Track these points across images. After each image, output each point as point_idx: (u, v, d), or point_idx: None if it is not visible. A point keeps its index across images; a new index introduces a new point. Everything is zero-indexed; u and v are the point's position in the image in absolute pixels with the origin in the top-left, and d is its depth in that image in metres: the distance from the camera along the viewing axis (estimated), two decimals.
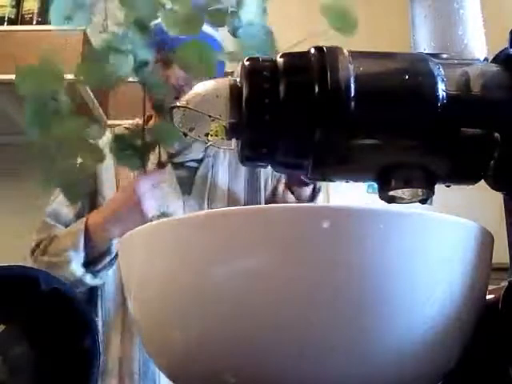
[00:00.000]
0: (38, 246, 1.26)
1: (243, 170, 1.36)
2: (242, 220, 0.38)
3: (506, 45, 0.45)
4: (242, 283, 0.37)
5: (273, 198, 1.33)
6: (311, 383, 0.38)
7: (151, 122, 1.36)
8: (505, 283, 0.44)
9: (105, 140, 1.26)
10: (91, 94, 1.99)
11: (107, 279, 1.27)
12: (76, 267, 1.19)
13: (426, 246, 0.38)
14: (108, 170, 1.32)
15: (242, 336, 0.37)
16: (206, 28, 1.32)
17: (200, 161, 1.34)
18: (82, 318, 0.49)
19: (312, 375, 0.37)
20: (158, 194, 1.17)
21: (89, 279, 1.21)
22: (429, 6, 0.47)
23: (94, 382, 0.49)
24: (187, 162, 1.34)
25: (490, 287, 0.44)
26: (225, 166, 1.35)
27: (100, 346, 0.49)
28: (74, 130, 0.97)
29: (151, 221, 1.15)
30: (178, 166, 1.32)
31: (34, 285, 0.48)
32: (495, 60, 0.45)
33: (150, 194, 1.15)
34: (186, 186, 1.31)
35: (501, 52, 0.45)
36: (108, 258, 1.22)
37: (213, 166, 1.34)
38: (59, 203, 1.29)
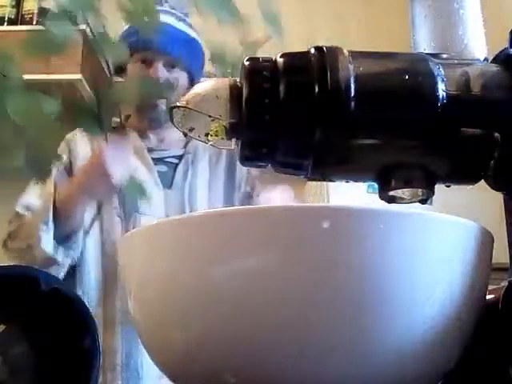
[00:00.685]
0: (8, 237, 1.27)
1: (222, 168, 1.38)
2: (241, 220, 0.38)
3: (506, 45, 0.45)
4: (241, 283, 0.37)
5: (246, 201, 1.36)
6: (311, 383, 0.38)
7: (130, 120, 1.39)
8: (505, 283, 0.44)
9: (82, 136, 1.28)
10: (91, 93, 1.98)
11: (88, 271, 1.27)
12: (47, 244, 1.19)
13: (426, 246, 0.38)
14: (84, 149, 1.34)
15: (242, 336, 0.37)
16: (191, 31, 1.35)
17: (180, 157, 1.35)
18: (82, 318, 0.49)
19: (312, 375, 0.37)
20: (122, 159, 1.19)
21: (61, 257, 1.21)
22: (429, 5, 0.47)
23: (93, 382, 0.49)
24: (167, 157, 1.35)
25: (490, 287, 0.44)
26: (205, 162, 1.37)
27: (100, 346, 0.49)
28: (25, 105, 0.97)
29: (119, 187, 1.18)
30: (157, 161, 1.35)
31: (34, 285, 0.48)
32: (495, 60, 0.45)
33: (114, 159, 1.17)
34: (166, 180, 1.33)
35: (501, 52, 0.45)
36: (80, 233, 1.23)
37: (193, 162, 1.36)
38: (32, 194, 1.29)
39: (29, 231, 1.22)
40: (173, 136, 1.35)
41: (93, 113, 1.09)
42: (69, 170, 1.33)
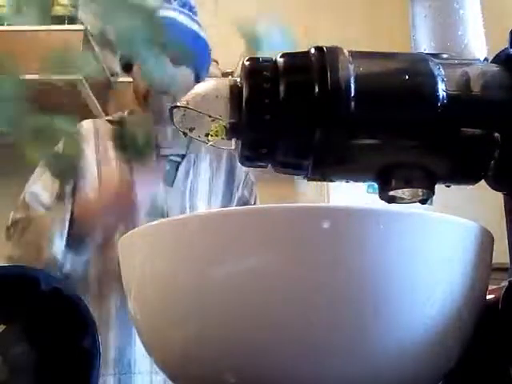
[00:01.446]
0: (13, 225, 1.26)
1: (223, 170, 1.39)
2: (242, 220, 0.38)
3: (506, 45, 0.45)
4: (241, 283, 0.37)
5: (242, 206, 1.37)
6: (311, 383, 0.38)
7: (135, 115, 1.39)
8: (505, 283, 0.44)
9: (88, 128, 1.31)
10: (91, 94, 1.99)
11: (85, 268, 1.27)
12: (58, 250, 1.19)
13: (426, 246, 0.38)
14: (89, 155, 1.33)
15: (242, 336, 0.37)
16: (198, 29, 1.35)
17: (183, 156, 1.36)
18: (82, 318, 0.49)
19: (312, 375, 0.37)
20: (152, 191, 1.19)
21: (67, 265, 1.21)
22: (429, 5, 0.47)
23: (94, 382, 0.49)
24: (169, 155, 1.36)
25: (490, 287, 0.44)
26: (206, 163, 1.38)
27: (100, 346, 0.49)
28: (43, 127, 0.99)
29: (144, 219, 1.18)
30: (160, 158, 1.35)
31: (34, 285, 0.48)
32: (495, 60, 0.45)
33: (143, 191, 1.18)
34: (168, 178, 1.34)
35: (501, 52, 0.45)
36: (89, 245, 1.22)
37: (195, 162, 1.36)
38: (39, 185, 1.28)
39: (40, 230, 1.22)
40: (176, 135, 1.35)
41: (134, 139, 1.12)
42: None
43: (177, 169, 1.35)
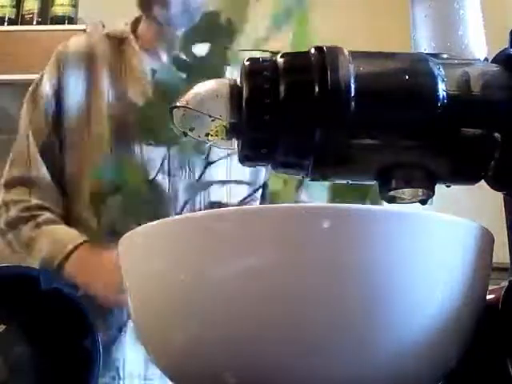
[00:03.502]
0: (6, 204, 1.15)
1: None
2: (241, 220, 0.38)
3: (506, 45, 0.45)
4: (241, 283, 0.37)
5: None
6: (311, 383, 0.38)
7: (140, 27, 1.20)
8: (505, 283, 0.44)
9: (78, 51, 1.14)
10: None
11: None
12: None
13: (426, 246, 0.38)
14: (76, 91, 1.16)
15: (242, 336, 0.37)
16: None
17: None
18: (82, 318, 0.49)
19: (312, 375, 0.37)
20: None
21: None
22: (429, 6, 0.47)
23: (94, 382, 0.49)
24: None
25: (490, 287, 0.44)
26: None
27: (100, 346, 0.49)
28: None
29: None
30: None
31: (34, 285, 0.48)
32: (495, 60, 0.45)
33: None
34: None
35: (501, 52, 0.45)
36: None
37: None
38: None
39: (32, 246, 1.12)
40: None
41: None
42: (57, 99, 1.17)
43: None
